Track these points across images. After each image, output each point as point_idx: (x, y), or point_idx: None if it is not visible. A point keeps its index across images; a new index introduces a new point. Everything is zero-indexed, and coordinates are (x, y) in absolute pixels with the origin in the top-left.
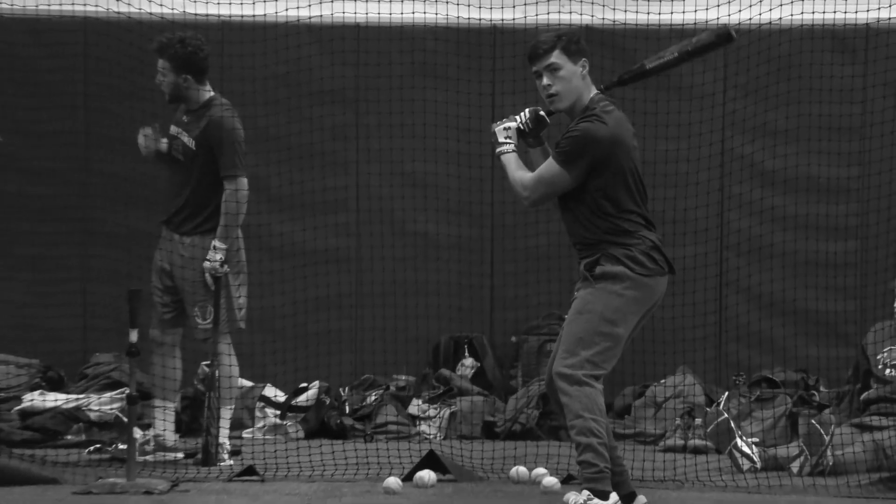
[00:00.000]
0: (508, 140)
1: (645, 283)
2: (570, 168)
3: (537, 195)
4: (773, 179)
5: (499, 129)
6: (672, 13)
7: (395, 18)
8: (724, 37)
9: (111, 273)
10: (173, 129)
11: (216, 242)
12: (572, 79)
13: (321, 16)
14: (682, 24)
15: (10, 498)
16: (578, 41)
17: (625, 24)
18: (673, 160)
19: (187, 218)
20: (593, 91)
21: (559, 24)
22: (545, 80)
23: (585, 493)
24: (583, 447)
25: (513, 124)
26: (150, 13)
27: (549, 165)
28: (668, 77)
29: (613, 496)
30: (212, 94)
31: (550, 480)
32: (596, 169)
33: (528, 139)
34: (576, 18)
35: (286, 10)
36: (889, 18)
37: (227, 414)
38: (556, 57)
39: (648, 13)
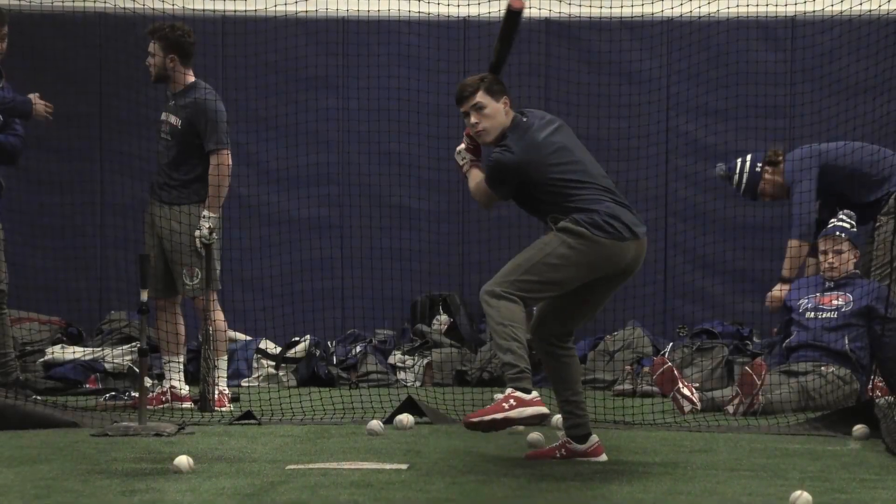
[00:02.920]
0: (464, 160)
1: (600, 244)
2: (495, 189)
3: (482, 203)
4: (711, 153)
5: (456, 155)
6: (622, 7)
7: (375, 13)
8: (512, 13)
9: (124, 240)
10: (163, 115)
11: (206, 212)
12: (496, 115)
13: (309, 11)
14: (631, 17)
15: (35, 440)
16: (499, 82)
17: (580, 17)
18: (624, 137)
19: (173, 190)
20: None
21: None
22: (473, 119)
23: (509, 389)
24: (504, 349)
25: (462, 146)
26: (153, 9)
27: (482, 181)
28: (618, 64)
29: (534, 393)
30: (194, 79)
31: None
32: (521, 184)
33: (479, 154)
34: (535, 13)
35: (276, 5)
36: (813, 11)
37: (223, 364)
38: (480, 97)
39: (601, 7)
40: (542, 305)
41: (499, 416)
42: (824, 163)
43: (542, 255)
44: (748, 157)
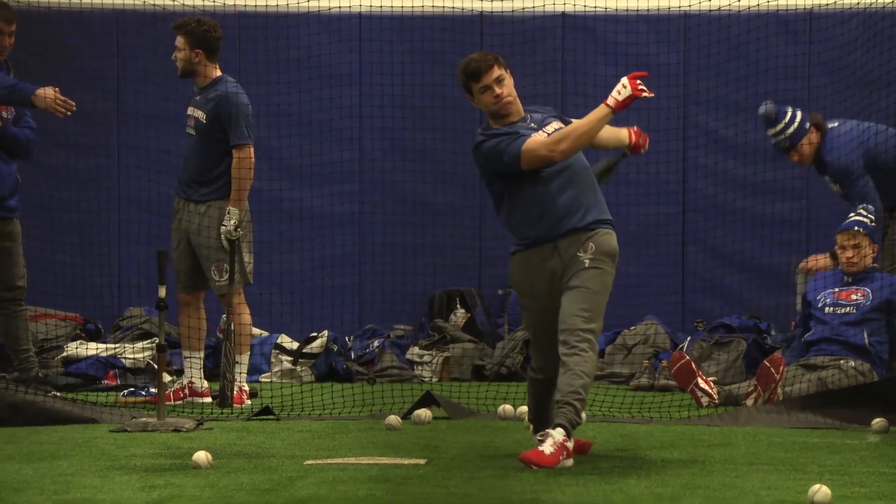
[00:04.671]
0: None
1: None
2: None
3: (578, 146)
4: (728, 146)
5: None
6: (639, 0)
7: (394, 8)
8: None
9: (143, 236)
10: (189, 110)
11: (230, 208)
12: (513, 87)
13: (331, 7)
14: (648, 11)
15: (55, 436)
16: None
17: (595, 10)
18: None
19: (201, 186)
20: None
21: (536, 11)
22: (496, 91)
23: (563, 435)
24: (579, 398)
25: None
26: (174, 3)
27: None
28: (636, 57)
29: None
30: (221, 73)
31: None
32: None
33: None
34: (552, 7)
35: (296, 1)
36: (828, 5)
37: (244, 360)
38: (499, 70)
39: (618, 0)
40: (539, 341)
41: (552, 466)
42: (865, 149)
43: (607, 293)
44: (798, 111)
